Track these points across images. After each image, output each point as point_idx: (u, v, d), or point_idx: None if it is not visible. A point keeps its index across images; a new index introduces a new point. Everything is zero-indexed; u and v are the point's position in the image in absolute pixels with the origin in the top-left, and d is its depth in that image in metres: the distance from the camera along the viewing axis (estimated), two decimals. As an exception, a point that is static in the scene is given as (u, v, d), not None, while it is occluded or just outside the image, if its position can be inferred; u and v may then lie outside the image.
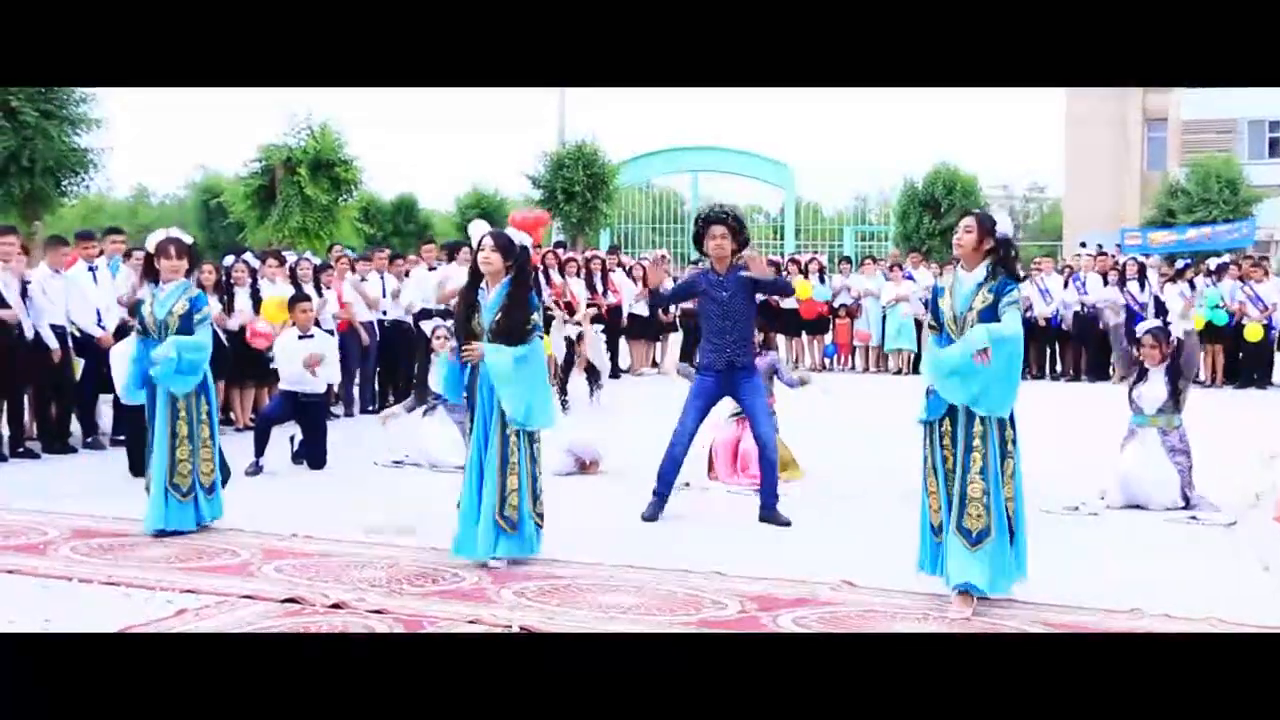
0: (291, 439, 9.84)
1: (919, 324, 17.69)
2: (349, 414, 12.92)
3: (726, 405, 8.38)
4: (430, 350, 9.81)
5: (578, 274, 16.29)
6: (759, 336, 8.52)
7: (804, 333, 19.35)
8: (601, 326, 15.28)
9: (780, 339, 18.15)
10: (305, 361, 9.70)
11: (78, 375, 10.56)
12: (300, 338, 9.99)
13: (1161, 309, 16.04)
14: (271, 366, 10.43)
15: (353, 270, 13.64)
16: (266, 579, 6.15)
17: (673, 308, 18.78)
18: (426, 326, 10.73)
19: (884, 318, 18.85)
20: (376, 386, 13.67)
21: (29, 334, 10.02)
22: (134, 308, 9.58)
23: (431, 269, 14.45)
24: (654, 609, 5.64)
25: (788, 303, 18.33)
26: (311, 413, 9.81)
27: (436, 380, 9.23)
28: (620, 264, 19.08)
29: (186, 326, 7.26)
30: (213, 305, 7.62)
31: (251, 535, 7.15)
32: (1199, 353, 8.38)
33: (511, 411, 6.43)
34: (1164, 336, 8.40)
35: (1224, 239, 27.87)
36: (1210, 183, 31.32)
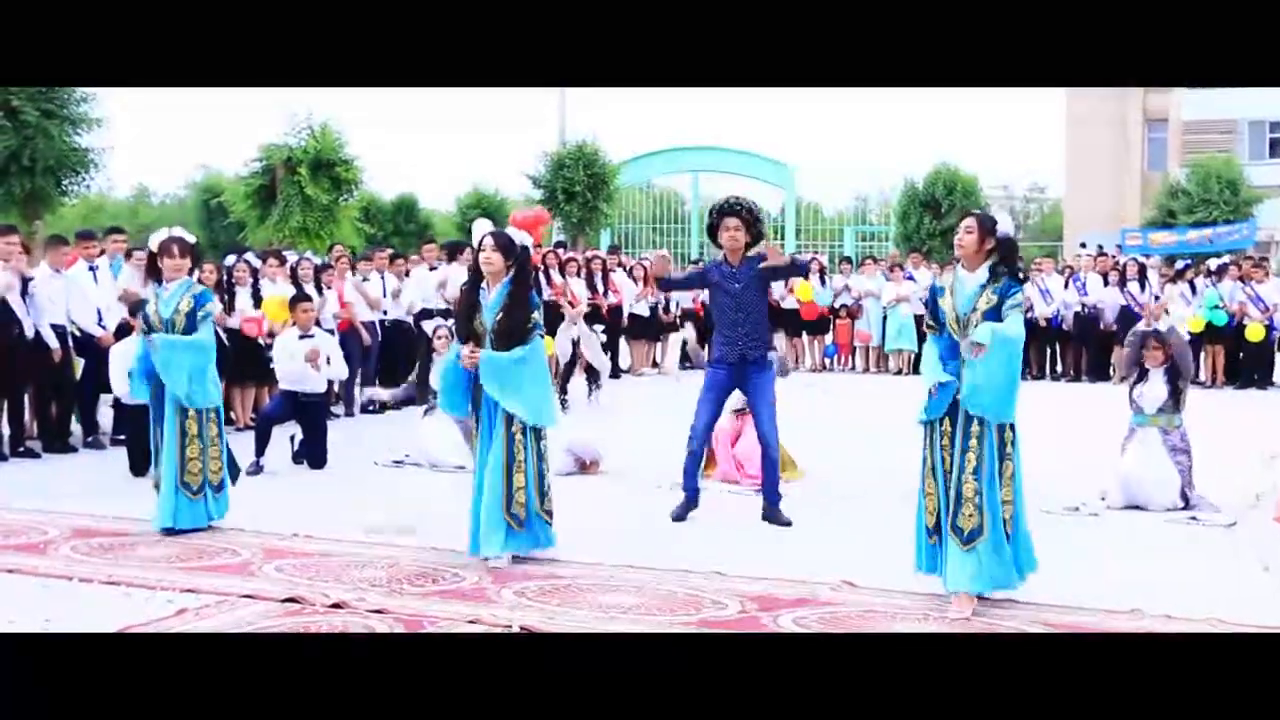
0: (292, 439, 9.84)
1: (920, 324, 17.69)
2: (349, 414, 12.92)
3: (732, 398, 8.36)
4: (432, 350, 9.81)
5: (578, 274, 16.30)
6: None
7: (804, 333, 19.36)
8: (602, 327, 15.29)
9: (780, 339, 18.17)
10: (306, 355, 9.71)
11: (78, 375, 10.56)
12: (301, 337, 9.99)
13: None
14: (271, 366, 10.42)
15: (353, 270, 13.65)
16: (267, 578, 6.15)
17: (674, 308, 18.84)
18: (428, 326, 10.74)
19: (884, 318, 18.85)
20: (377, 386, 13.66)
21: (29, 333, 10.02)
22: (134, 307, 9.62)
23: (432, 269, 14.46)
24: (654, 609, 5.64)
25: (788, 303, 18.36)
26: (312, 412, 9.81)
27: (437, 380, 9.23)
28: (620, 264, 19.07)
29: (192, 325, 7.32)
30: (214, 304, 7.63)
31: (252, 535, 7.16)
32: (1188, 352, 8.39)
33: (517, 412, 6.44)
34: (1165, 337, 8.40)
35: (1225, 240, 27.89)
36: (1211, 183, 31.30)
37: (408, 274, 14.26)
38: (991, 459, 5.62)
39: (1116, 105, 36.65)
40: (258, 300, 11.88)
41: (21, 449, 10.09)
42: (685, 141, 38.73)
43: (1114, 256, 19.77)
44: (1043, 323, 17.70)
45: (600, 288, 16.99)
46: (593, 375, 14.01)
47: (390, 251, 14.93)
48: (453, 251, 14.46)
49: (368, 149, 40.10)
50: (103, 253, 11.34)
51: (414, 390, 10.32)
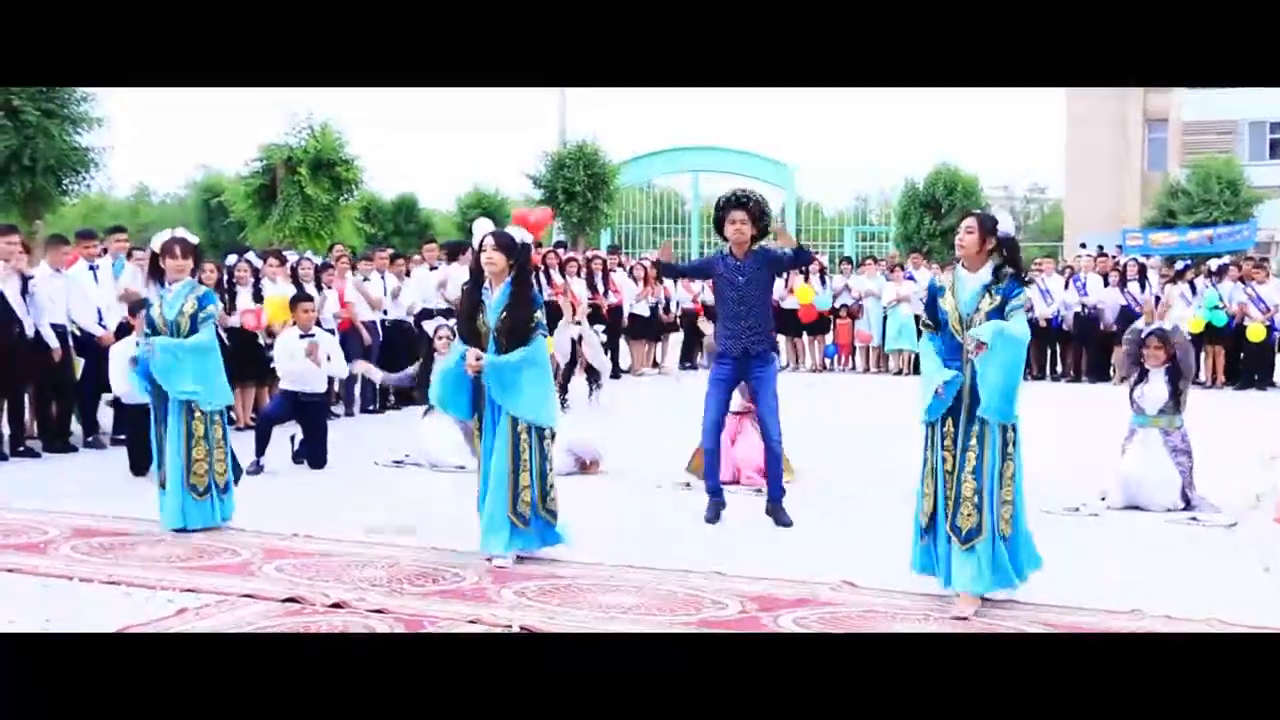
0: (292, 438, 9.84)
1: (919, 324, 17.68)
2: (349, 414, 12.92)
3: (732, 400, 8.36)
4: (433, 350, 9.81)
5: (578, 274, 16.29)
6: None
7: (805, 333, 19.35)
8: (602, 327, 15.29)
9: (780, 339, 18.17)
10: (305, 350, 9.71)
11: (78, 374, 10.56)
12: (302, 337, 9.99)
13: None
14: (271, 366, 10.43)
15: (353, 270, 13.65)
16: (267, 578, 6.15)
17: (674, 308, 18.85)
18: (429, 326, 10.74)
19: (885, 318, 18.85)
20: (377, 386, 13.65)
21: (29, 333, 10.02)
22: (135, 306, 9.62)
23: (433, 269, 14.46)
24: (654, 609, 5.64)
25: (788, 303, 18.35)
26: (312, 412, 9.81)
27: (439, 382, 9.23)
28: (621, 264, 19.08)
29: (196, 327, 7.36)
30: (215, 306, 7.64)
31: (252, 535, 7.16)
32: (1190, 351, 8.40)
33: (521, 414, 6.44)
34: (1167, 337, 8.40)
35: (1225, 241, 27.88)
36: (1211, 184, 31.31)
37: (408, 274, 14.26)
38: (994, 458, 5.63)
39: (1117, 105, 36.65)
40: (259, 300, 11.88)
41: (22, 448, 10.09)
42: (685, 141, 38.76)
43: (1114, 257, 19.77)
44: (1043, 323, 17.69)
45: (601, 288, 16.99)
46: (593, 375, 14.01)
47: (391, 251, 14.93)
48: (453, 251, 14.46)
49: (368, 149, 40.17)
50: (104, 252, 11.34)
51: (411, 380, 10.32)
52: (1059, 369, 18.34)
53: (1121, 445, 8.41)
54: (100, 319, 10.60)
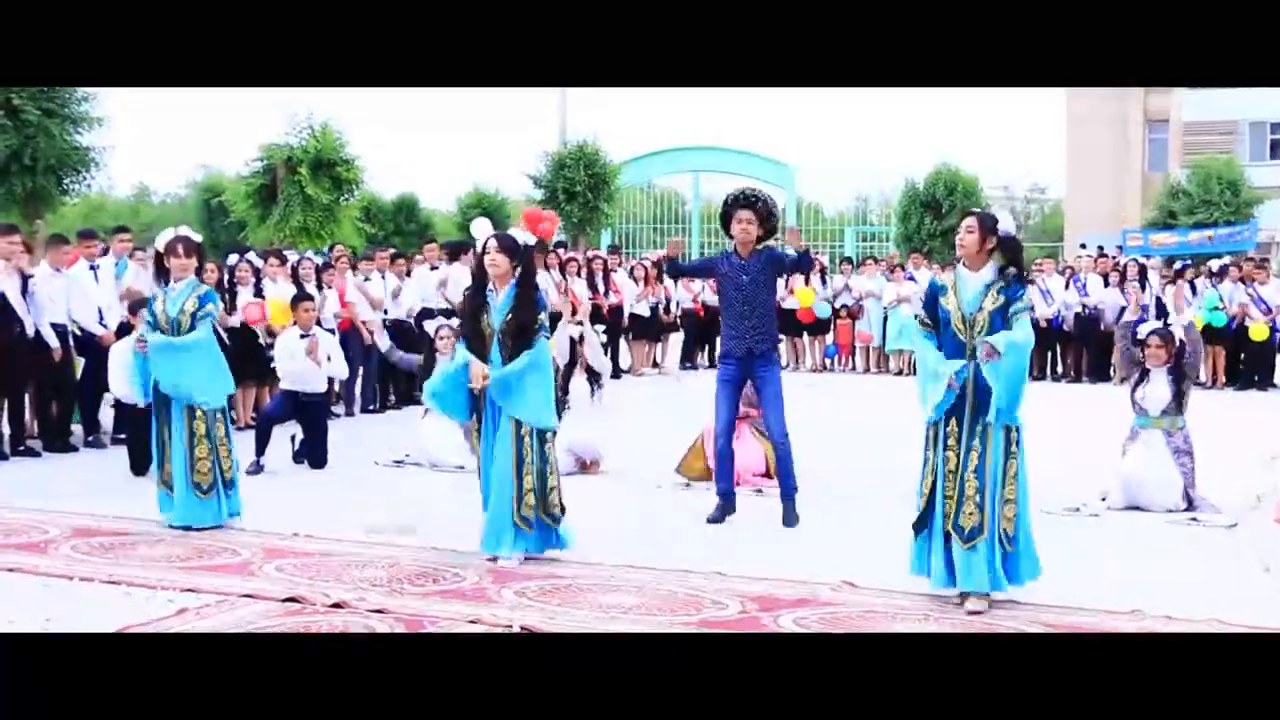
0: (292, 438, 9.84)
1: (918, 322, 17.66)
2: (350, 413, 12.92)
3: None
4: (435, 350, 9.81)
5: (579, 274, 16.29)
6: None
7: (805, 333, 19.35)
8: (603, 327, 15.28)
9: (780, 339, 18.16)
10: (306, 348, 9.71)
11: (79, 374, 10.55)
12: (302, 336, 9.99)
13: (1163, 310, 16.05)
14: (272, 366, 10.43)
15: (354, 269, 13.65)
16: (267, 578, 6.15)
17: (674, 308, 18.85)
18: (430, 326, 10.74)
19: (885, 318, 18.84)
20: (377, 386, 13.66)
21: (30, 332, 10.02)
22: (135, 305, 9.63)
23: (433, 268, 14.46)
24: (655, 609, 5.64)
25: (788, 303, 18.35)
26: (312, 412, 9.81)
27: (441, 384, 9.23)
28: (621, 264, 19.08)
29: (196, 325, 7.36)
30: (214, 306, 7.65)
31: (252, 534, 7.16)
32: (1201, 349, 8.42)
33: (525, 418, 6.44)
34: (1170, 338, 8.39)
35: (1226, 241, 27.89)
36: (1211, 184, 31.31)
37: (409, 274, 14.26)
38: (996, 458, 5.63)
39: (1117, 105, 36.64)
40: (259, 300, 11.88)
41: (22, 448, 10.08)
42: (686, 141, 38.77)
43: (1114, 257, 19.77)
44: (1043, 323, 17.68)
45: (601, 288, 16.98)
46: (594, 376, 14.02)
47: (392, 251, 14.94)
48: (455, 252, 14.46)
49: (368, 149, 40.13)
50: (106, 251, 11.34)
51: (416, 369, 10.39)
52: (1059, 369, 18.33)
53: (1122, 446, 8.41)
54: (101, 318, 10.60)
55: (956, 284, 5.82)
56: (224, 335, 11.05)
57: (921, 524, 5.80)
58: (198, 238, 7.66)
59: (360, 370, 13.08)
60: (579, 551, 6.61)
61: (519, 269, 6.56)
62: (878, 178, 43.73)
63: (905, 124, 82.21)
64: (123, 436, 9.90)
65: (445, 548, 6.70)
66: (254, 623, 5.37)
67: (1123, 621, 5.45)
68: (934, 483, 5.75)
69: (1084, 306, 17.78)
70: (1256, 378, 16.92)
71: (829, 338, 19.53)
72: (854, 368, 19.41)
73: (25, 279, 10.03)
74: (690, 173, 37.99)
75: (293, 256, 13.46)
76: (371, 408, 13.37)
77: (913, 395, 5.98)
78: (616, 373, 16.94)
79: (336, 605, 5.60)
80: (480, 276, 6.63)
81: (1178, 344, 8.37)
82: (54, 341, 10.15)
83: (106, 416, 10.65)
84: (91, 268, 10.83)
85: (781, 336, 18.06)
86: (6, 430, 10.14)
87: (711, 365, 18.39)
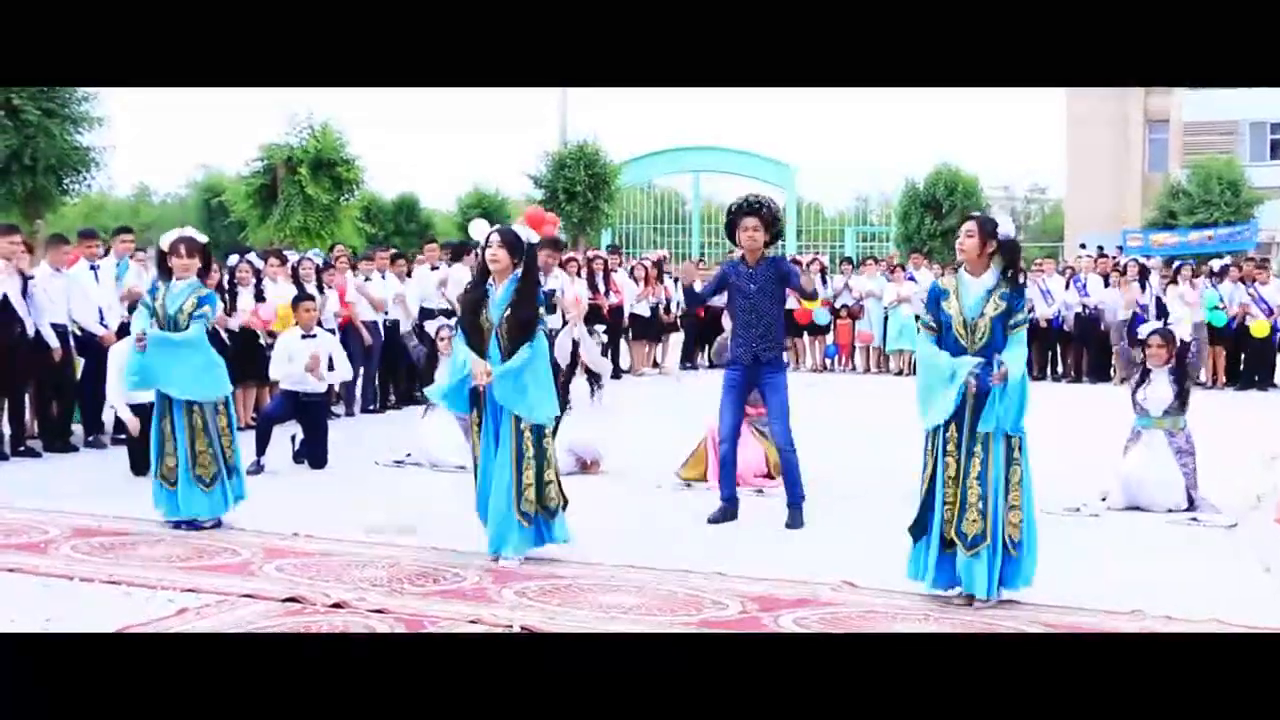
0: (293, 438, 9.85)
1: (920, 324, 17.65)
2: (350, 413, 12.92)
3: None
4: (436, 350, 9.80)
5: (579, 274, 16.28)
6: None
7: (805, 334, 19.35)
8: (603, 327, 15.27)
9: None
10: (306, 365, 9.71)
11: (79, 374, 10.55)
12: (303, 336, 10.00)
13: (1163, 310, 16.05)
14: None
15: (354, 270, 13.65)
16: (267, 578, 6.15)
17: (674, 308, 18.84)
18: (430, 326, 10.74)
19: (885, 319, 18.84)
20: (378, 386, 13.67)
21: (30, 332, 10.02)
22: (135, 306, 9.62)
23: (434, 269, 14.46)
24: (655, 609, 5.64)
25: (788, 303, 18.34)
26: (312, 412, 9.81)
27: (443, 378, 9.23)
28: (621, 264, 19.08)
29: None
30: (210, 308, 7.64)
31: (252, 534, 7.16)
32: (1206, 347, 8.43)
33: (524, 414, 6.44)
34: (1171, 337, 8.39)
35: (1226, 241, 27.89)
36: (1212, 184, 31.30)
37: (409, 274, 14.25)
38: (998, 465, 5.63)
39: (1117, 106, 36.63)
40: (260, 300, 11.87)
41: (22, 448, 10.09)
42: (686, 141, 38.76)
43: (1115, 257, 19.76)
44: (1044, 324, 17.68)
45: (601, 288, 16.98)
46: (594, 376, 14.01)
47: (392, 251, 14.94)
48: (457, 252, 14.47)
49: (368, 149, 40.06)
50: (107, 251, 11.34)
51: (420, 361, 10.42)
52: (1060, 369, 18.33)
53: (1124, 446, 8.41)
54: (101, 319, 10.60)
55: (958, 289, 5.82)
56: (224, 336, 11.08)
57: (919, 529, 5.80)
58: (203, 239, 7.67)
59: (360, 370, 13.09)
60: (579, 551, 6.61)
61: (520, 265, 6.56)
62: (878, 178, 43.77)
63: (905, 124, 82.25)
64: (123, 437, 9.90)
65: (445, 548, 6.71)
66: (254, 623, 5.37)
67: (1123, 621, 5.45)
68: (931, 488, 5.75)
69: (1084, 306, 17.77)
70: (1257, 378, 16.92)
71: (829, 338, 19.53)
72: (854, 368, 19.41)
73: (25, 279, 10.03)
74: (690, 173, 37.99)
75: (293, 257, 13.46)
76: (371, 408, 13.38)
77: (913, 395, 5.98)
78: (617, 373, 16.93)
79: (337, 605, 5.60)
80: (482, 271, 6.63)
81: (1180, 343, 8.37)
82: (54, 341, 10.15)
83: (108, 416, 10.64)
84: (92, 268, 10.83)
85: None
86: (7, 430, 10.14)
87: (712, 366, 18.40)
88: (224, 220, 28.71)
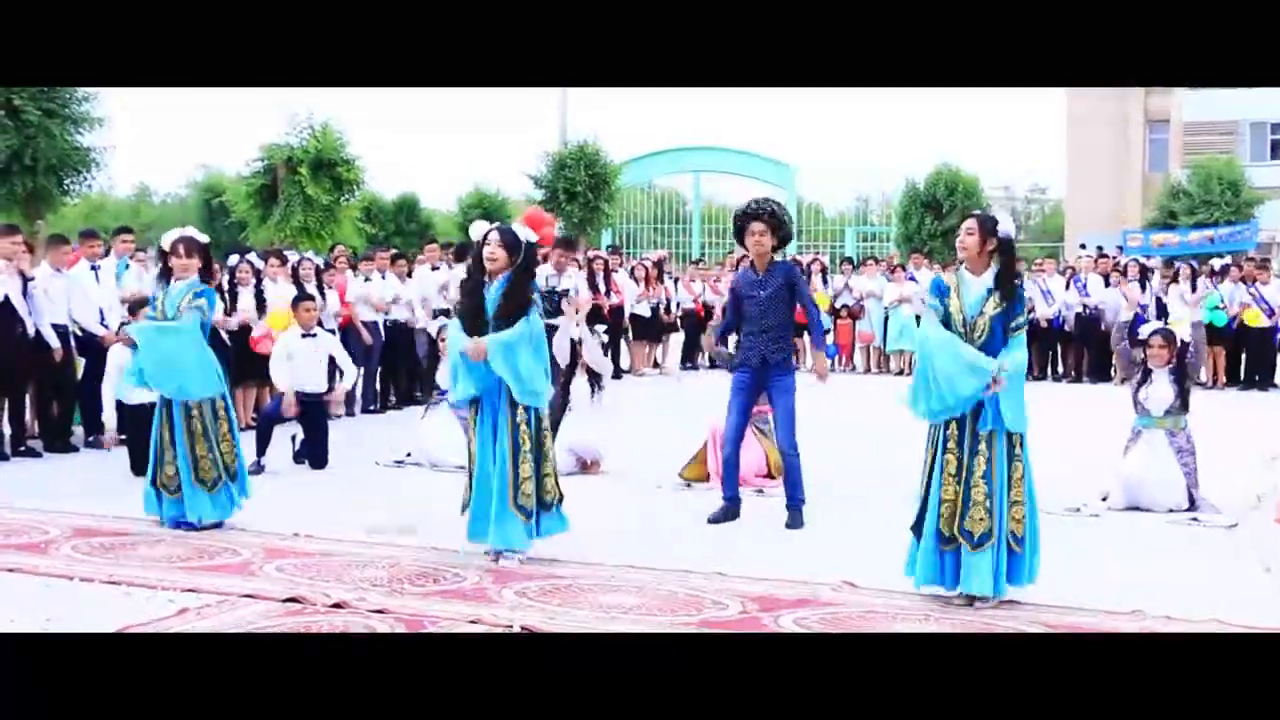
0: (293, 438, 9.85)
1: (919, 322, 17.66)
2: (350, 413, 12.91)
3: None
4: (437, 350, 9.80)
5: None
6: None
7: (805, 334, 19.32)
8: (604, 327, 15.27)
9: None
10: (328, 396, 9.99)
11: (79, 374, 10.55)
12: (303, 336, 10.00)
13: (1162, 310, 16.06)
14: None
15: (354, 270, 13.65)
16: (268, 578, 6.15)
17: (675, 308, 18.86)
18: (432, 327, 10.74)
19: (886, 319, 18.84)
20: (378, 386, 13.67)
21: (30, 333, 10.02)
22: (135, 306, 9.63)
23: (434, 269, 14.46)
24: (655, 609, 5.64)
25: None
26: (313, 412, 9.81)
27: (445, 377, 9.24)
28: (621, 264, 19.08)
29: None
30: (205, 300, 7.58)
31: (253, 534, 7.16)
32: (1205, 347, 8.45)
33: (518, 391, 6.41)
34: (1172, 337, 8.39)
35: (1226, 242, 27.90)
36: (1212, 184, 31.31)
37: (410, 274, 14.26)
38: (1001, 461, 5.64)
39: (1117, 106, 36.64)
40: (260, 300, 11.87)
41: (23, 448, 10.09)
42: (686, 141, 38.77)
43: (1115, 257, 19.77)
44: (1044, 323, 17.69)
45: (602, 288, 16.97)
46: (595, 377, 14.01)
47: (393, 251, 14.94)
48: (461, 253, 14.46)
49: (369, 149, 40.02)
50: (108, 251, 11.34)
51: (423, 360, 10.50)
52: (1060, 369, 18.34)
53: (1124, 446, 8.41)
54: (102, 319, 10.60)
55: (959, 287, 5.82)
56: (225, 336, 11.08)
57: (920, 526, 5.80)
58: (203, 239, 7.65)
59: (360, 370, 13.08)
60: (579, 551, 6.61)
61: (516, 264, 6.55)
62: (878, 178, 43.76)
63: (905, 124, 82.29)
64: (123, 437, 9.91)
65: (446, 548, 6.70)
66: (254, 623, 5.37)
67: (1123, 622, 5.45)
68: (929, 484, 5.75)
69: (1084, 306, 17.78)
70: (1257, 378, 16.92)
71: (829, 338, 19.53)
72: (854, 368, 19.41)
73: (26, 280, 10.03)
74: (691, 173, 37.99)
75: (293, 257, 13.46)
76: (372, 408, 13.38)
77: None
78: (617, 373, 16.93)
79: (337, 605, 5.60)
80: (479, 268, 6.61)
81: (1180, 343, 8.37)
82: (55, 342, 10.15)
83: (108, 417, 10.64)
84: (93, 268, 10.84)
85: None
86: (7, 430, 10.15)
87: (712, 366, 18.40)
88: (224, 220, 28.72)
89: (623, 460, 9.58)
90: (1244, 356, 17.14)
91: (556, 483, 6.60)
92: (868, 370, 19.25)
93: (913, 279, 18.73)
